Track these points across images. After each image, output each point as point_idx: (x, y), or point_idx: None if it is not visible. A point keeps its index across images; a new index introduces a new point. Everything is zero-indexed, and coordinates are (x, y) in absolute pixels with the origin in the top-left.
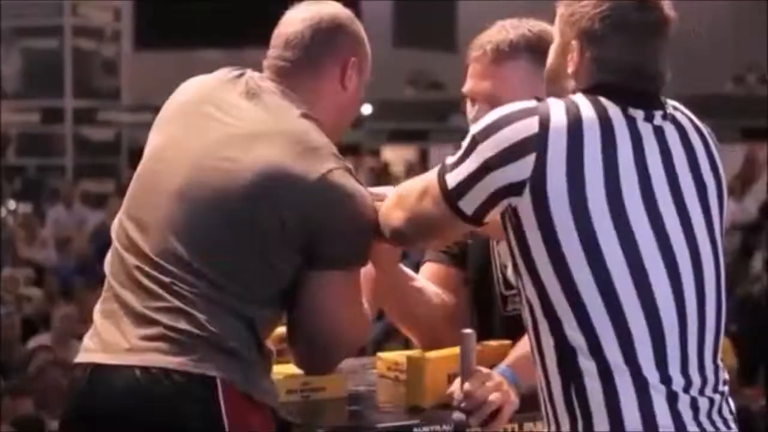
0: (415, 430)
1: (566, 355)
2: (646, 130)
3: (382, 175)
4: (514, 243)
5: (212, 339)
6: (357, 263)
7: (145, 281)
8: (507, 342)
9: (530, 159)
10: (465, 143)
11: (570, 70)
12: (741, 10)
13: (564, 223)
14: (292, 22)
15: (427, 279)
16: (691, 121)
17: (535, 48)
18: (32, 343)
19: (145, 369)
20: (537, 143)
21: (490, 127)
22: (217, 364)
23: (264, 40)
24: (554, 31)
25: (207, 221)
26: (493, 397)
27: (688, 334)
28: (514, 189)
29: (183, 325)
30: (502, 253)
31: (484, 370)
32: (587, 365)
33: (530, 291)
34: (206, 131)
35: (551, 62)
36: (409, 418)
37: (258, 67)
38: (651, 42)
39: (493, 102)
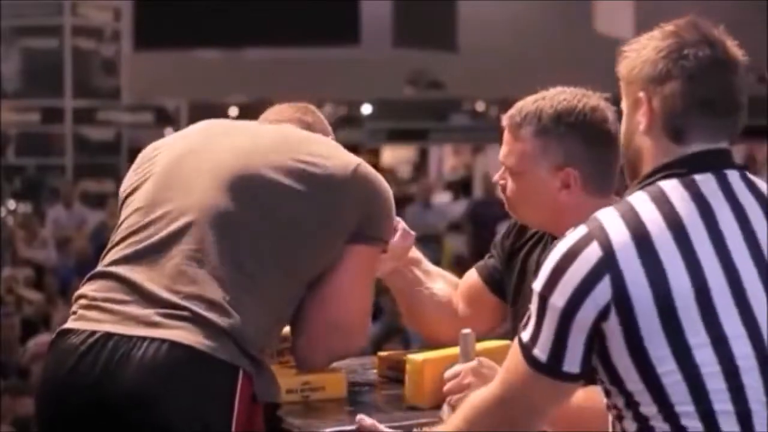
0: (414, 430)
1: None
2: (717, 200)
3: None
4: (597, 363)
5: (237, 332)
6: (381, 240)
7: (184, 267)
8: (507, 342)
9: (606, 281)
10: (534, 306)
11: (642, 127)
12: (740, 10)
13: (652, 330)
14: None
15: (464, 286)
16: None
17: (546, 119)
18: (32, 343)
19: (173, 343)
20: (606, 264)
21: (552, 276)
22: (238, 356)
23: (264, 40)
24: (623, 103)
25: (250, 213)
26: (468, 380)
27: None
28: (601, 317)
29: (211, 314)
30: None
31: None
32: None
33: (615, 396)
34: (231, 139)
35: (624, 127)
36: (408, 418)
37: (257, 67)
38: (720, 75)
39: (509, 171)
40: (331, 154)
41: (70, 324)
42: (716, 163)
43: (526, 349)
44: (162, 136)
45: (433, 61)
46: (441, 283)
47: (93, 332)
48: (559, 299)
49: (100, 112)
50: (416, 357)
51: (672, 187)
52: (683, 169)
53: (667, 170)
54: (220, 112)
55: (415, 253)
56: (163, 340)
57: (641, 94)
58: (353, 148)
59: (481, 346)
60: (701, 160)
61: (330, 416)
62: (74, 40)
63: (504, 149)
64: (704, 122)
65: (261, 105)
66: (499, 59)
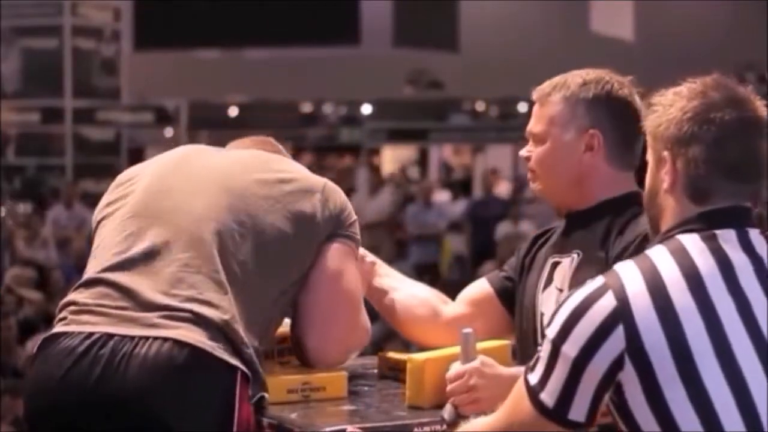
0: (415, 430)
1: None
2: (735, 252)
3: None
4: (613, 410)
5: (233, 331)
6: (354, 240)
7: (178, 271)
8: (507, 342)
9: (619, 331)
10: (545, 352)
11: (665, 185)
12: (740, 10)
13: (668, 376)
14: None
15: (471, 297)
16: None
17: (574, 86)
18: (31, 343)
19: (175, 341)
20: (620, 314)
21: (566, 325)
22: (236, 355)
23: (264, 40)
24: (648, 155)
25: (242, 215)
26: (473, 381)
27: None
28: (616, 367)
29: (213, 316)
30: (544, 302)
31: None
32: None
33: None
34: (209, 158)
35: (648, 184)
36: (409, 418)
37: (257, 67)
38: (746, 138)
39: (534, 140)
40: (301, 171)
41: (60, 328)
42: (737, 219)
43: (534, 392)
44: (162, 136)
45: (433, 61)
46: (414, 287)
47: (90, 333)
48: (571, 349)
49: (100, 112)
50: (417, 357)
51: (691, 241)
52: (704, 224)
53: (687, 225)
54: (220, 112)
55: (381, 264)
56: (165, 339)
57: (665, 154)
58: (353, 148)
59: (480, 345)
60: (722, 216)
61: (331, 416)
62: (74, 40)
63: (532, 121)
64: (727, 187)
65: (261, 105)
66: (499, 59)
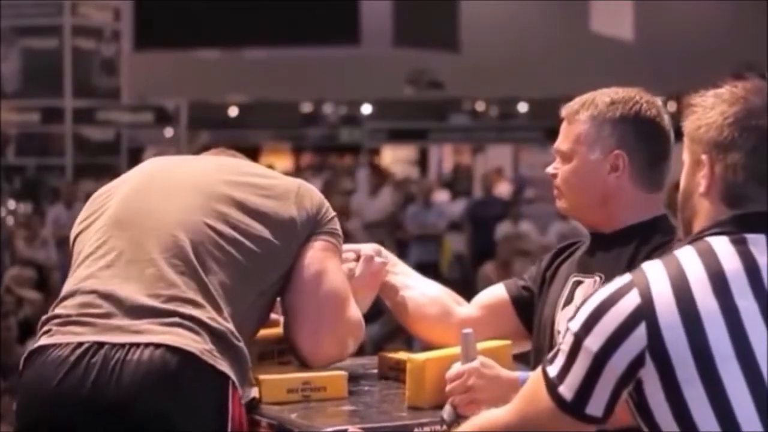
0: (416, 430)
1: None
2: (764, 257)
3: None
4: (633, 406)
5: (224, 335)
6: (335, 235)
7: (158, 272)
8: (508, 342)
9: (641, 329)
10: (567, 345)
11: (702, 189)
12: (741, 10)
13: (689, 376)
14: None
15: (485, 301)
16: None
17: (602, 105)
18: (30, 343)
19: (167, 347)
20: (643, 312)
21: (590, 319)
22: (229, 363)
23: (264, 40)
24: (684, 154)
25: (222, 215)
26: (472, 381)
27: None
28: (637, 364)
29: (199, 315)
30: (562, 320)
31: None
32: None
33: None
34: (184, 166)
35: (683, 185)
36: (409, 419)
37: (257, 67)
38: None
39: (561, 157)
40: (275, 174)
41: (46, 341)
42: None
43: (553, 385)
44: (162, 136)
45: (433, 61)
46: (427, 286)
47: (80, 343)
48: (593, 343)
49: (100, 112)
50: (418, 357)
51: (720, 243)
52: (736, 227)
53: (720, 227)
54: (220, 112)
55: (393, 261)
56: (156, 345)
57: (704, 157)
58: (353, 148)
59: (480, 345)
60: (756, 219)
61: (331, 416)
62: (74, 40)
63: (559, 138)
64: (762, 193)
65: (261, 105)
66: (499, 59)
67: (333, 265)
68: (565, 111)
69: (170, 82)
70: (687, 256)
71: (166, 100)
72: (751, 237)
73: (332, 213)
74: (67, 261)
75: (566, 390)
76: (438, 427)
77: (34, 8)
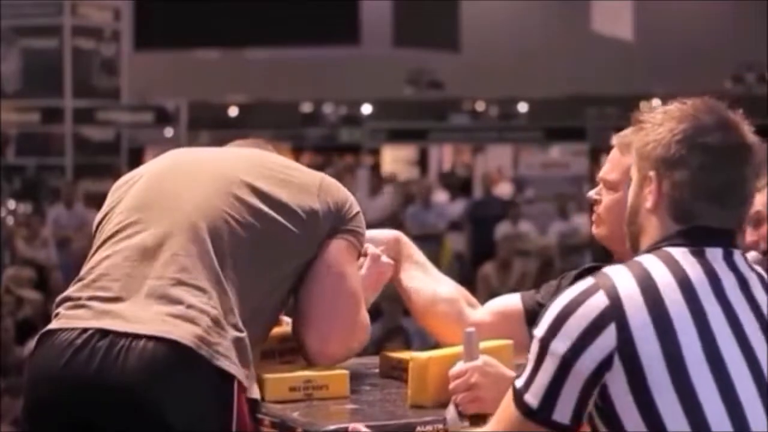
0: (418, 429)
1: None
2: (722, 269)
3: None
4: (595, 414)
5: (227, 325)
6: (356, 233)
7: (172, 257)
8: (509, 342)
9: (611, 329)
10: (532, 353)
11: (648, 204)
12: (741, 10)
13: (660, 380)
14: None
15: (499, 308)
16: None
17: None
18: (30, 343)
19: (170, 342)
20: (612, 313)
21: (556, 322)
22: (232, 358)
23: (264, 40)
24: (632, 170)
25: (242, 207)
26: (474, 379)
27: None
28: (604, 367)
29: (204, 303)
30: None
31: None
32: None
33: None
34: (207, 155)
35: (630, 201)
36: (411, 418)
37: (257, 67)
38: (732, 165)
39: (606, 186)
40: (299, 167)
41: (56, 324)
42: (721, 239)
43: (519, 393)
44: (162, 136)
45: (433, 61)
46: (440, 283)
47: (85, 329)
48: (559, 345)
49: (100, 112)
50: (420, 356)
51: (681, 253)
52: (686, 241)
53: (672, 240)
54: (220, 112)
55: (412, 253)
56: (159, 339)
57: (651, 174)
58: (353, 148)
59: (482, 344)
60: (706, 234)
61: (333, 415)
62: (74, 40)
63: (607, 167)
64: (711, 211)
65: (261, 105)
66: (499, 59)
67: (352, 270)
68: (616, 140)
69: (170, 82)
70: (650, 262)
71: (166, 100)
72: (708, 250)
73: (357, 209)
74: (73, 258)
75: (531, 397)
76: (440, 426)
77: (34, 8)
